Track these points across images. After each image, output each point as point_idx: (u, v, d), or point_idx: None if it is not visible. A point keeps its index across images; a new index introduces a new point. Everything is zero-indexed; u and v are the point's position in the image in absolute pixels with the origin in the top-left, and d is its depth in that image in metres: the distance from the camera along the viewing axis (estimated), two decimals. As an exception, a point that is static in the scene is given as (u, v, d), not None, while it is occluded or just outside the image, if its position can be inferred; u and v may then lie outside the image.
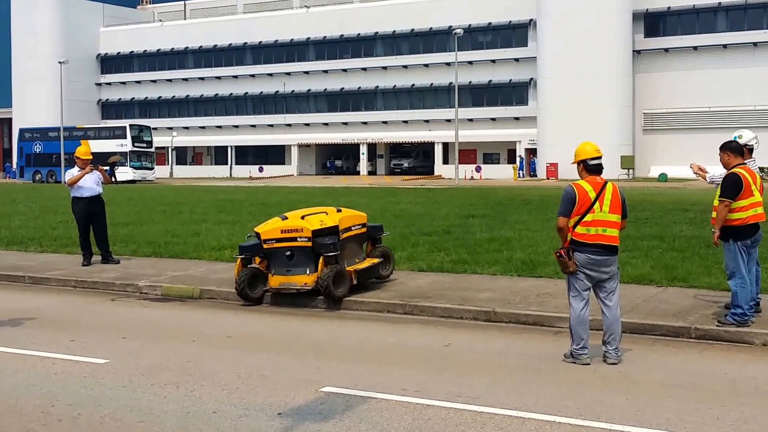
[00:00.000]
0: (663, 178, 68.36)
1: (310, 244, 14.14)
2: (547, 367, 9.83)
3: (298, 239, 14.21)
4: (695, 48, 75.00)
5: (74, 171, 18.41)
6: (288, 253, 14.33)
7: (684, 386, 8.93)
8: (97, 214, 18.59)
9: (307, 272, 14.19)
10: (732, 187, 11.18)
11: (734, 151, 11.58)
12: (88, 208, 18.45)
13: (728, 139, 11.96)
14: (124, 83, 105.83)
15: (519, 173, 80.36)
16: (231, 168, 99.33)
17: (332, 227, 14.44)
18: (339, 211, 15.25)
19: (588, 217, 9.89)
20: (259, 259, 14.66)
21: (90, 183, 18.39)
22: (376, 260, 15.36)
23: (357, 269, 14.60)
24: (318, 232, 14.22)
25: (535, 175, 79.36)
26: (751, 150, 12.38)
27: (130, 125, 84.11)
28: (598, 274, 10.02)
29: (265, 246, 14.43)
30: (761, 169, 14.64)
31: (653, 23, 77.45)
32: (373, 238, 15.98)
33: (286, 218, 14.74)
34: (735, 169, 11.34)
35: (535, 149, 79.62)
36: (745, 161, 11.79)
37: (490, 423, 7.73)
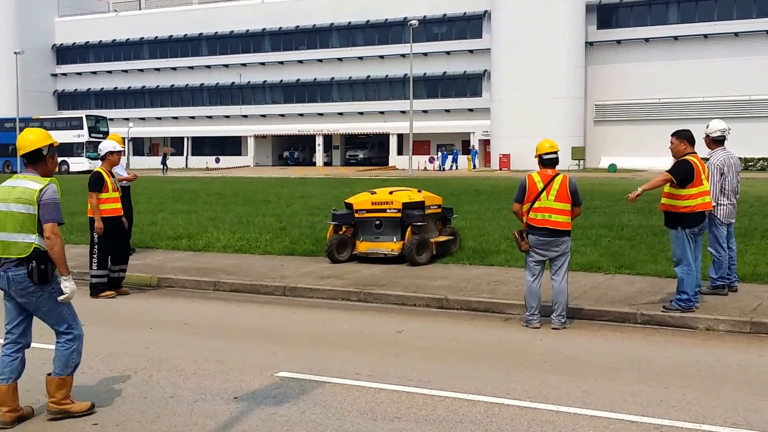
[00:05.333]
0: (612, 168, 68.94)
1: (399, 215, 16.26)
2: (496, 352, 10.03)
3: (387, 210, 16.34)
4: (647, 40, 75.38)
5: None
6: (377, 222, 16.45)
7: (629, 369, 9.14)
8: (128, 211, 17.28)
9: (394, 240, 16.32)
10: (683, 172, 11.42)
11: (688, 139, 11.79)
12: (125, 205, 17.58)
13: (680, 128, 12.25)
14: (79, 74, 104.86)
15: (440, 167, 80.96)
16: (187, 159, 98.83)
17: (419, 202, 16.64)
18: (419, 191, 17.20)
19: (536, 204, 11.16)
20: (345, 227, 16.71)
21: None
22: (449, 237, 17.19)
23: (437, 241, 16.55)
24: (407, 205, 16.35)
25: (451, 168, 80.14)
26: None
27: (87, 116, 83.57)
28: (547, 253, 11.29)
29: (356, 215, 16.55)
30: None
31: (606, 15, 77.67)
32: (444, 218, 17.71)
33: (375, 193, 16.90)
34: (687, 157, 11.60)
35: (488, 140, 79.92)
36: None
37: (441, 405, 7.89)
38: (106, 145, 14.45)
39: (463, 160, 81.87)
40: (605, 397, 8.14)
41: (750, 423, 7.41)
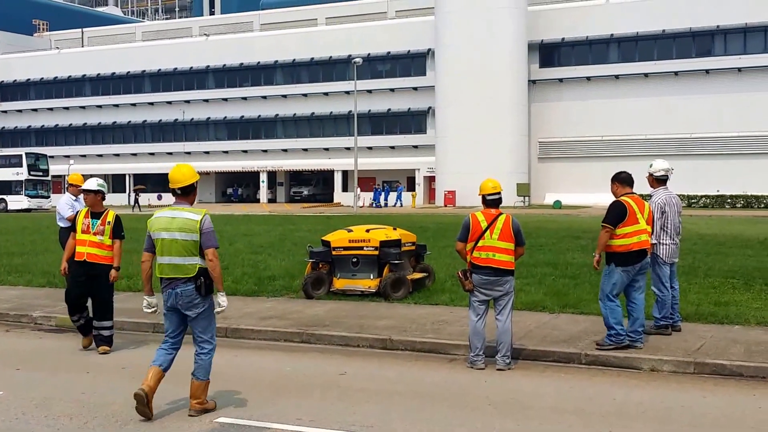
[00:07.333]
0: (557, 205, 69.35)
1: (376, 252, 16.62)
2: (440, 394, 9.93)
3: (365, 248, 16.70)
4: (588, 78, 76.47)
5: (68, 198, 16.43)
6: (354, 260, 16.77)
7: (573, 411, 9.10)
8: None
9: (371, 277, 16.65)
10: (614, 213, 11.63)
11: (622, 181, 11.97)
12: None
13: (620, 169, 12.35)
14: (20, 111, 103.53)
15: (373, 203, 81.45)
16: (129, 196, 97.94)
17: (396, 240, 17.06)
18: (395, 229, 17.62)
19: (480, 243, 11.15)
20: (321, 264, 17.06)
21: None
22: (424, 274, 17.64)
23: (413, 278, 16.97)
24: (384, 243, 16.77)
25: (381, 206, 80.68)
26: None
27: (27, 153, 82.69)
28: (491, 292, 11.27)
29: (333, 253, 16.87)
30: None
31: (548, 54, 78.67)
32: (418, 255, 18.09)
33: (352, 231, 17.31)
34: (621, 198, 11.72)
35: (433, 176, 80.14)
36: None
37: (384, 450, 7.79)
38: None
39: (392, 197, 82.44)
40: (550, 440, 8.05)
41: (695, 466, 7.37)
